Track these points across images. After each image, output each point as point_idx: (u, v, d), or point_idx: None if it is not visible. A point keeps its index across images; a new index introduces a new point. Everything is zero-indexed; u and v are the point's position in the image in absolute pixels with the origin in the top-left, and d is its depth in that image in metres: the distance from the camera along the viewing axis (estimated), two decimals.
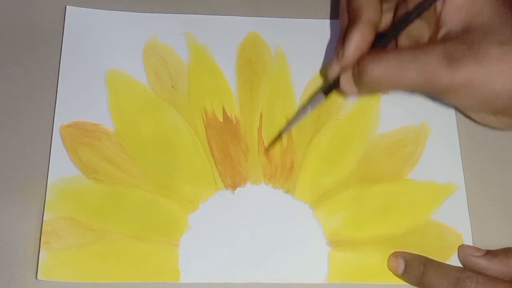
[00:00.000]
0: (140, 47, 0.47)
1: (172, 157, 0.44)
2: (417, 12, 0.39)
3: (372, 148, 0.46)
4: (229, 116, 0.46)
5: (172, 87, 0.46)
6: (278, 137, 0.45)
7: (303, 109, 0.44)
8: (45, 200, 0.42)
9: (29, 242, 0.41)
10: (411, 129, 0.46)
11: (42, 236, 0.41)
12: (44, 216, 0.42)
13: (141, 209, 0.43)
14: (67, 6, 0.48)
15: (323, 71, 0.46)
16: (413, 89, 0.40)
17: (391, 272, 0.42)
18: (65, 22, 0.47)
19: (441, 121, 0.47)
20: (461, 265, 0.42)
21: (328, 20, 0.49)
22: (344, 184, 0.45)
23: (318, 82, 0.47)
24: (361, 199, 0.44)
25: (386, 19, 0.42)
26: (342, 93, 0.41)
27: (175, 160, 0.44)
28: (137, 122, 0.45)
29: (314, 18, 0.49)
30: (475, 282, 0.39)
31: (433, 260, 0.42)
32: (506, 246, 0.42)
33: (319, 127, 0.46)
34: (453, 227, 0.44)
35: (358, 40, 0.39)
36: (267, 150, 0.45)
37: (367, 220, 0.44)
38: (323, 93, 0.42)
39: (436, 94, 0.39)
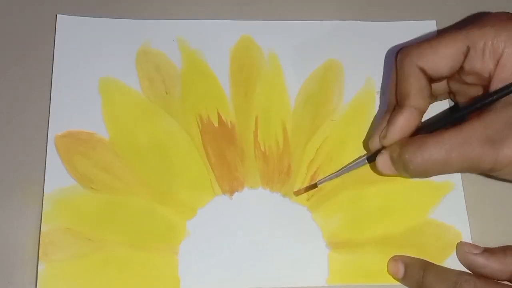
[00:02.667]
0: (132, 54, 0.47)
1: (168, 164, 0.44)
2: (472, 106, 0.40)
3: (369, 149, 0.46)
4: (225, 120, 0.46)
5: (166, 93, 0.46)
6: (313, 186, 0.44)
7: (345, 168, 0.44)
8: (42, 211, 0.42)
9: (28, 254, 0.41)
10: None
11: (40, 248, 0.41)
12: (41, 228, 0.41)
13: (139, 217, 0.43)
14: (57, 15, 0.48)
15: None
16: (458, 172, 0.42)
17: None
18: (56, 31, 0.47)
19: None
20: (459, 264, 0.42)
21: (321, 22, 0.49)
22: (342, 185, 0.45)
23: (313, 84, 0.47)
24: (359, 200, 0.44)
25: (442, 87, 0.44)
26: (377, 169, 0.42)
27: (172, 167, 0.44)
28: (132, 129, 0.45)
29: (307, 20, 0.49)
30: (473, 285, 0.39)
31: (433, 264, 0.42)
32: (505, 244, 0.42)
33: (315, 130, 0.46)
34: (451, 225, 0.44)
35: (402, 125, 0.40)
36: (297, 192, 0.44)
37: (366, 221, 0.44)
38: (366, 160, 0.43)
39: (482, 173, 0.41)
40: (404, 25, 0.50)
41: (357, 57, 0.48)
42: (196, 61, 0.47)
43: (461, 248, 0.42)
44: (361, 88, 0.48)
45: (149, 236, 0.42)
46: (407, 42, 0.49)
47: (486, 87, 0.41)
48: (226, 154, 0.45)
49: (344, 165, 0.44)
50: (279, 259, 0.42)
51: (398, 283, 0.42)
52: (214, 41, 0.48)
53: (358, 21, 0.50)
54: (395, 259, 0.42)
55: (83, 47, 0.47)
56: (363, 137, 0.46)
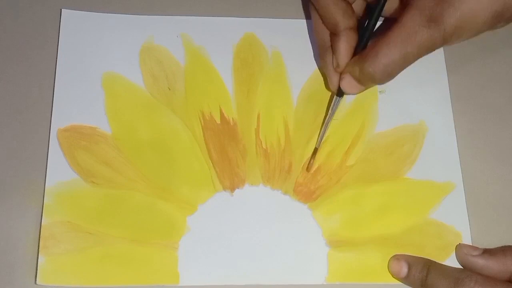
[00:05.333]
0: (136, 50, 0.47)
1: (170, 159, 0.44)
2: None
3: (370, 147, 0.46)
4: (227, 117, 0.46)
5: (169, 89, 0.46)
6: (314, 152, 0.45)
7: (328, 117, 0.44)
8: (43, 205, 0.42)
9: (28, 247, 0.41)
10: (408, 128, 0.47)
11: (40, 241, 0.41)
12: (42, 221, 0.42)
13: (139, 212, 0.43)
14: (62, 10, 0.48)
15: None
16: (418, 59, 0.42)
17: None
18: (60, 26, 0.47)
19: (438, 119, 0.47)
20: (459, 265, 0.42)
21: None
22: (343, 184, 0.45)
23: (316, 82, 0.47)
24: (360, 199, 0.44)
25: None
26: (347, 94, 0.44)
27: (173, 163, 0.44)
28: (134, 125, 0.45)
29: (310, 19, 0.49)
30: (474, 281, 0.39)
31: (436, 262, 0.42)
32: (505, 244, 0.43)
33: (316, 128, 0.46)
34: (451, 225, 0.44)
35: (345, 48, 0.43)
36: (308, 168, 0.45)
37: (366, 220, 0.44)
38: (337, 96, 0.44)
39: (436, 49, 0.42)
40: None
41: None
42: (199, 57, 0.47)
43: (461, 250, 0.42)
44: None
45: (149, 231, 0.42)
46: None
47: None
48: (228, 151, 0.45)
49: (324, 119, 0.45)
50: (278, 256, 0.42)
51: (397, 282, 0.42)
52: (218, 38, 0.48)
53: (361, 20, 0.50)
54: (397, 257, 0.42)
55: (87, 42, 0.47)
56: (365, 136, 0.46)
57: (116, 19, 0.48)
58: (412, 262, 0.42)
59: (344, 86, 0.43)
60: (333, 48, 0.44)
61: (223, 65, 0.47)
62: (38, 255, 0.41)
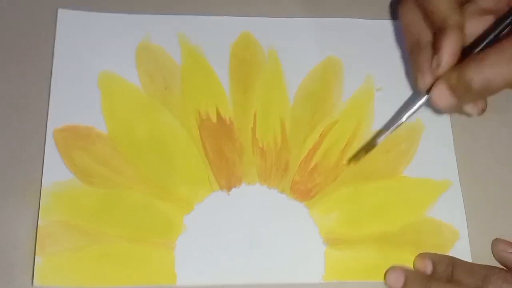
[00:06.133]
0: (132, 49, 0.47)
1: (166, 159, 0.44)
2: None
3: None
4: (223, 116, 0.46)
5: (165, 88, 0.46)
6: (371, 146, 0.43)
7: (402, 113, 0.42)
8: (39, 205, 0.42)
9: (25, 247, 0.41)
10: (405, 126, 0.46)
11: (37, 241, 0.41)
12: (39, 221, 0.41)
13: (136, 212, 0.43)
14: (58, 9, 0.48)
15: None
16: None
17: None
18: (57, 25, 0.47)
19: (435, 118, 0.47)
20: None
21: (321, 19, 0.49)
22: (340, 182, 0.45)
23: (312, 81, 0.47)
24: (357, 197, 0.44)
25: None
26: (434, 105, 0.40)
27: (170, 162, 0.44)
28: (131, 124, 0.45)
29: (306, 17, 0.49)
30: (502, 279, 0.39)
31: (460, 259, 0.42)
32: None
33: (313, 126, 0.46)
34: (449, 223, 0.44)
35: (452, 46, 0.39)
36: (355, 158, 0.44)
37: (363, 218, 0.44)
38: (425, 95, 0.41)
39: None
40: None
41: (357, 55, 0.48)
42: (195, 56, 0.47)
43: (496, 246, 0.42)
44: (360, 85, 0.48)
45: (146, 230, 0.42)
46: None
47: (500, 13, 0.41)
48: (224, 150, 0.45)
49: (396, 115, 0.42)
50: (275, 255, 0.42)
51: None
52: (214, 37, 0.48)
53: (358, 19, 0.50)
54: (422, 256, 0.42)
55: (83, 42, 0.47)
56: (362, 134, 0.46)
57: (112, 18, 0.48)
58: (437, 259, 0.42)
59: (435, 94, 0.39)
60: (436, 46, 0.40)
61: (219, 64, 0.47)
62: (35, 255, 0.41)
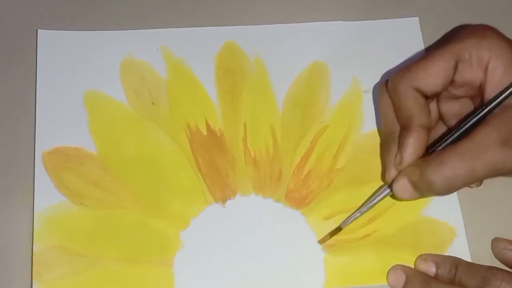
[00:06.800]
0: (116, 66, 0.47)
1: (158, 175, 0.44)
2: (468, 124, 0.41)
3: (359, 148, 0.46)
4: (213, 128, 0.46)
5: (153, 104, 0.46)
6: (337, 230, 0.43)
7: (368, 202, 0.42)
8: (33, 231, 0.41)
9: (21, 275, 0.40)
10: None
11: (33, 268, 0.40)
12: (34, 247, 0.41)
13: (131, 231, 0.42)
14: (38, 30, 0.47)
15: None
16: (480, 180, 0.42)
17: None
18: (37, 47, 0.46)
19: None
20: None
21: (304, 24, 0.49)
22: (334, 187, 0.45)
23: (300, 86, 0.47)
24: (352, 201, 0.44)
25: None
26: (396, 198, 0.42)
27: (162, 178, 0.44)
28: (120, 142, 0.44)
29: (290, 23, 0.49)
30: (500, 279, 0.39)
31: (463, 260, 0.42)
32: (500, 236, 0.43)
33: (304, 132, 0.46)
34: (445, 221, 0.44)
35: (414, 145, 0.40)
36: (323, 240, 0.43)
37: (360, 222, 0.43)
38: (388, 188, 0.42)
39: (506, 175, 0.40)
40: (387, 23, 0.50)
41: (342, 58, 0.48)
42: (181, 69, 0.47)
43: (497, 245, 0.43)
44: (348, 88, 0.48)
45: (143, 249, 0.42)
46: (391, 40, 0.49)
47: (475, 98, 0.42)
48: (217, 162, 0.44)
49: (364, 202, 0.43)
50: (275, 265, 0.42)
51: None
52: (198, 48, 0.48)
53: (341, 22, 0.50)
54: (424, 258, 0.42)
55: (66, 62, 0.46)
56: (353, 137, 0.46)
57: (94, 36, 0.47)
58: (440, 261, 0.42)
59: (397, 188, 0.41)
60: (400, 143, 0.41)
61: (205, 75, 0.47)
62: (32, 282, 0.40)
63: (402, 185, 0.41)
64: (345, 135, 0.46)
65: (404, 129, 0.41)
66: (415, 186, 0.40)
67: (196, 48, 0.48)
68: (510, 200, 0.45)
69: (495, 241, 0.43)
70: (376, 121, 0.47)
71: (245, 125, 0.46)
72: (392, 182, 0.41)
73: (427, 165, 0.39)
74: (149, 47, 0.47)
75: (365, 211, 0.42)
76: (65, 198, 0.42)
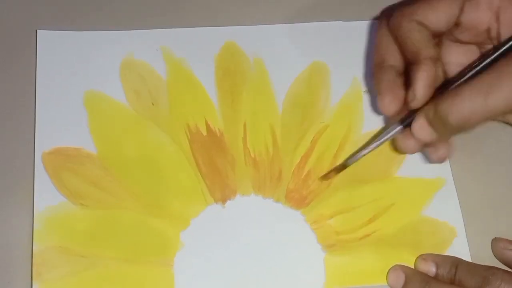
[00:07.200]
0: (116, 66, 0.47)
1: (158, 175, 0.44)
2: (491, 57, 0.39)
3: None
4: (213, 129, 0.46)
5: (153, 104, 0.46)
6: (343, 166, 0.42)
7: (376, 139, 0.42)
8: (33, 231, 0.41)
9: (21, 275, 0.40)
10: None
11: (33, 268, 0.40)
12: (33, 248, 0.41)
13: (131, 231, 0.42)
14: (38, 31, 0.47)
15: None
16: (499, 115, 0.39)
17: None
18: (37, 47, 0.46)
19: None
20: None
21: (304, 24, 0.49)
22: (334, 187, 0.44)
23: (300, 86, 0.47)
24: (352, 201, 0.44)
25: None
26: (415, 137, 0.40)
27: (162, 179, 0.44)
28: (120, 142, 0.44)
29: (290, 23, 0.49)
30: (500, 279, 0.39)
31: (463, 260, 0.42)
32: (499, 236, 0.43)
33: (304, 133, 0.46)
34: (445, 221, 0.44)
35: (425, 78, 0.39)
36: (324, 176, 0.43)
37: (360, 222, 0.44)
38: (401, 124, 0.41)
39: None
40: None
41: (342, 58, 0.48)
42: (181, 70, 0.47)
43: (497, 245, 0.43)
44: (347, 88, 0.48)
45: (143, 249, 0.42)
46: None
47: (481, 45, 0.41)
48: (217, 162, 0.44)
49: (372, 137, 0.41)
50: (275, 265, 0.42)
51: None
52: (198, 48, 0.48)
53: (341, 21, 0.50)
54: (424, 258, 0.42)
55: (65, 62, 0.46)
56: (353, 137, 0.46)
57: (93, 36, 0.47)
58: (440, 261, 0.41)
59: (415, 128, 0.39)
60: (411, 79, 0.39)
61: (205, 76, 0.47)
62: (32, 282, 0.40)
63: (420, 124, 0.39)
64: (345, 135, 0.46)
65: (414, 63, 0.39)
66: (431, 123, 0.38)
67: (196, 48, 0.48)
68: (510, 200, 0.45)
69: (495, 241, 0.43)
70: (376, 121, 0.47)
71: (245, 125, 0.46)
72: (402, 119, 0.40)
73: (441, 100, 0.38)
74: (149, 47, 0.47)
75: (373, 148, 0.41)
76: (65, 198, 0.42)
